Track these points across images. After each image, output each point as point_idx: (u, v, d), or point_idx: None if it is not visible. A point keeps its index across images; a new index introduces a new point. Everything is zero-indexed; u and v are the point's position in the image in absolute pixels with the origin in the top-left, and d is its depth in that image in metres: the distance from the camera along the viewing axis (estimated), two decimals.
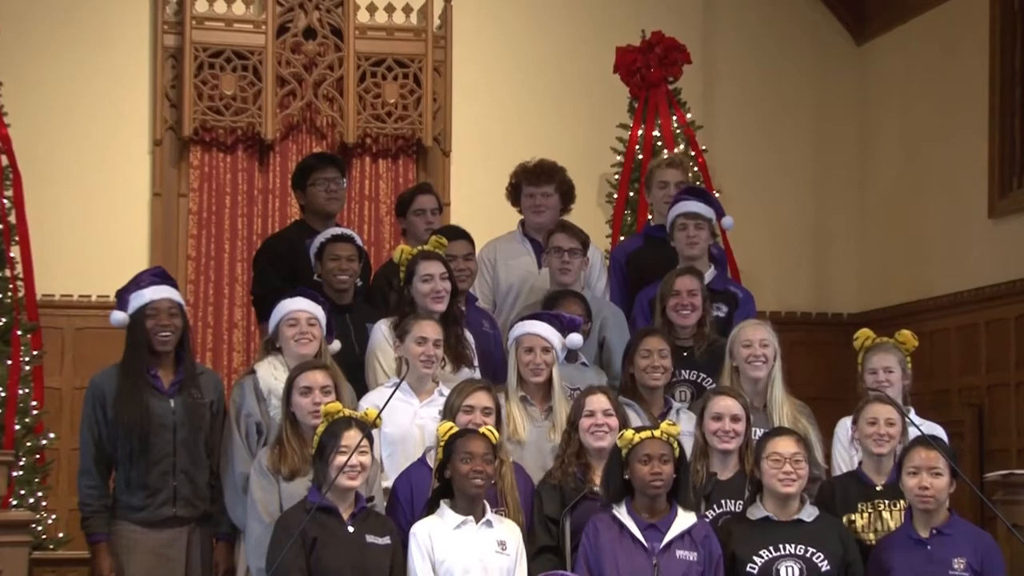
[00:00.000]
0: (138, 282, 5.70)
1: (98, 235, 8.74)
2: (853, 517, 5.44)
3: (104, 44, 8.89)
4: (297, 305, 5.71)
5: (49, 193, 8.57)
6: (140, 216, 8.84)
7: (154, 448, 5.57)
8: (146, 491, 5.57)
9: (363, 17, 9.13)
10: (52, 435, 7.87)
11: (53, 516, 7.83)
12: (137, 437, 5.55)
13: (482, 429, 5.19)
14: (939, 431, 5.73)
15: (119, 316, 5.68)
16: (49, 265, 8.37)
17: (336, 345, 5.85)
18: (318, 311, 5.74)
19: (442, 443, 5.15)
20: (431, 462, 5.35)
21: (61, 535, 7.76)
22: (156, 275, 5.79)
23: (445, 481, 5.15)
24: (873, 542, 5.35)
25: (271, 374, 5.68)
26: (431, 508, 5.18)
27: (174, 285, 5.78)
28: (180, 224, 8.88)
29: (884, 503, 5.44)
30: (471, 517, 5.10)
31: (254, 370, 5.75)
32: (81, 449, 5.71)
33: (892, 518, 5.40)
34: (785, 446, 5.23)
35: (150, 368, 5.63)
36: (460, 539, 5.08)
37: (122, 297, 5.70)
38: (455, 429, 5.18)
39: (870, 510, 5.45)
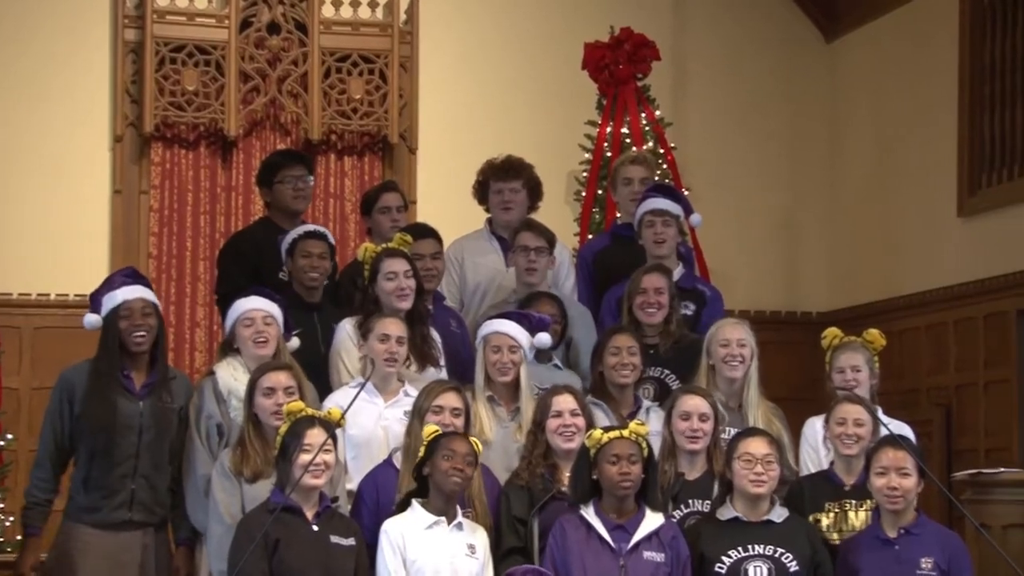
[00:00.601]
0: (110, 284, 5.63)
1: (57, 233, 8.67)
2: (819, 516, 5.41)
3: (64, 39, 8.83)
4: (252, 304, 5.64)
5: (7, 190, 8.51)
6: (100, 213, 8.77)
7: (117, 449, 5.49)
8: (102, 492, 5.49)
9: (328, 12, 9.08)
10: (10, 436, 7.78)
11: (11, 519, 7.71)
12: (102, 437, 5.47)
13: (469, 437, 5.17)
14: (907, 431, 5.72)
15: (92, 319, 5.59)
16: (7, 263, 8.32)
17: (295, 342, 5.78)
18: (274, 309, 5.67)
19: (425, 443, 5.09)
20: (397, 464, 5.31)
21: (19, 537, 7.63)
22: (128, 275, 5.72)
23: (421, 480, 5.10)
24: (837, 542, 5.34)
25: (231, 375, 5.61)
26: (402, 508, 5.12)
27: (147, 285, 5.71)
28: (141, 222, 8.82)
29: (851, 503, 5.42)
30: (443, 518, 5.06)
31: (213, 371, 5.69)
32: (40, 441, 5.62)
33: (857, 518, 5.38)
34: (757, 447, 5.20)
35: (123, 368, 5.55)
36: (432, 540, 5.03)
37: (95, 300, 5.62)
38: (439, 431, 5.13)
39: (837, 510, 5.42)
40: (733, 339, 5.88)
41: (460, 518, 5.09)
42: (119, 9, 8.79)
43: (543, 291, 6.31)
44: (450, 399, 5.35)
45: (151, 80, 8.70)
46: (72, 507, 5.55)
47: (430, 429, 5.15)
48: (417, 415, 5.33)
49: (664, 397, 5.87)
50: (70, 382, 5.57)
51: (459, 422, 5.31)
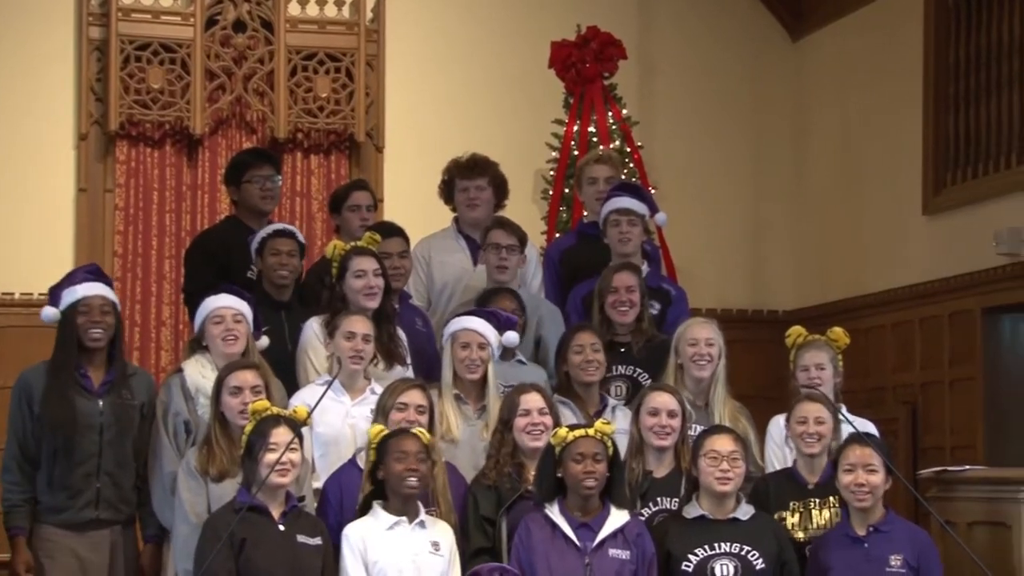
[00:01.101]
0: (71, 279, 5.62)
1: (21, 231, 8.59)
2: (784, 515, 5.42)
3: (28, 37, 8.74)
4: (222, 302, 5.63)
5: None
6: (65, 212, 8.69)
7: (79, 448, 5.48)
8: (68, 492, 5.48)
9: (294, 10, 9.03)
10: None
11: None
12: (62, 436, 5.45)
13: (414, 430, 5.13)
14: (871, 428, 5.75)
15: (50, 312, 5.59)
16: None
17: (264, 341, 5.77)
18: (244, 307, 5.65)
19: (374, 445, 5.07)
20: (361, 463, 5.28)
21: None
22: (90, 272, 5.70)
23: (378, 483, 5.08)
24: (803, 539, 5.36)
25: (199, 372, 5.60)
26: (363, 511, 5.10)
27: (108, 283, 5.70)
28: (106, 220, 8.76)
29: (815, 502, 5.44)
30: (404, 517, 5.05)
31: (181, 369, 5.67)
32: (6, 445, 5.60)
33: (822, 516, 5.40)
34: (723, 444, 5.21)
35: (80, 366, 5.53)
36: (393, 540, 5.02)
37: (54, 293, 5.61)
38: (386, 431, 5.10)
39: (801, 508, 5.44)
40: (701, 338, 5.90)
41: (423, 516, 5.08)
42: (83, 7, 8.72)
43: (502, 287, 6.30)
44: (414, 396, 5.34)
45: (116, 78, 8.64)
46: (40, 508, 5.53)
47: (376, 430, 5.12)
48: (381, 413, 5.33)
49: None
50: (28, 383, 5.56)
51: (423, 419, 5.30)
